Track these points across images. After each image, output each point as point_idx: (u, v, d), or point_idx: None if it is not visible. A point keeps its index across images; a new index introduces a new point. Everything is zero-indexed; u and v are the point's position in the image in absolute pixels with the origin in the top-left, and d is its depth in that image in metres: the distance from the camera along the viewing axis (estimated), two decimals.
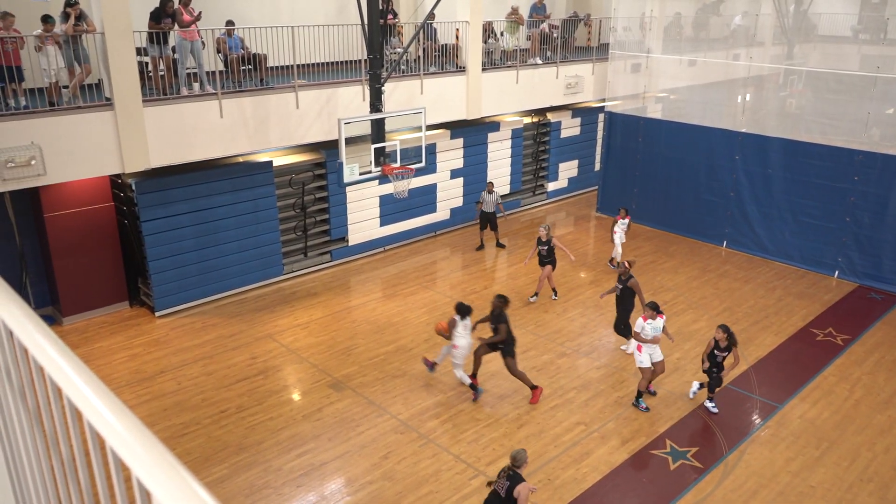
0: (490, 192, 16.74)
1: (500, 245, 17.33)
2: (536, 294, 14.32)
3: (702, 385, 10.85)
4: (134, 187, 12.75)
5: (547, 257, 13.99)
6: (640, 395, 10.67)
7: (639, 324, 10.33)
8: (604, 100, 20.35)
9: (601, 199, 20.06)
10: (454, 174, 18.23)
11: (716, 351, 10.30)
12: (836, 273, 15.75)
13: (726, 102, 19.86)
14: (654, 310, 10.31)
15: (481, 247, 17.22)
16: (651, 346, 10.39)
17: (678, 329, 13.16)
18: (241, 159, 14.20)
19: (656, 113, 20.41)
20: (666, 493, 8.85)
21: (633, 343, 10.70)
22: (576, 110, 20.97)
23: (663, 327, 10.42)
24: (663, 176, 18.39)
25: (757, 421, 10.43)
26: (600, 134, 20.71)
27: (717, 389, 10.54)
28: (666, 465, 9.39)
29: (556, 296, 14.42)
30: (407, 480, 9.00)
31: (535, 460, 9.38)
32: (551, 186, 21.19)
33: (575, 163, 21.63)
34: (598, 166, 20.97)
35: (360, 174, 13.07)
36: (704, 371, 10.53)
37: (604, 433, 10.02)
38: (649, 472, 9.25)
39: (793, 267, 16.26)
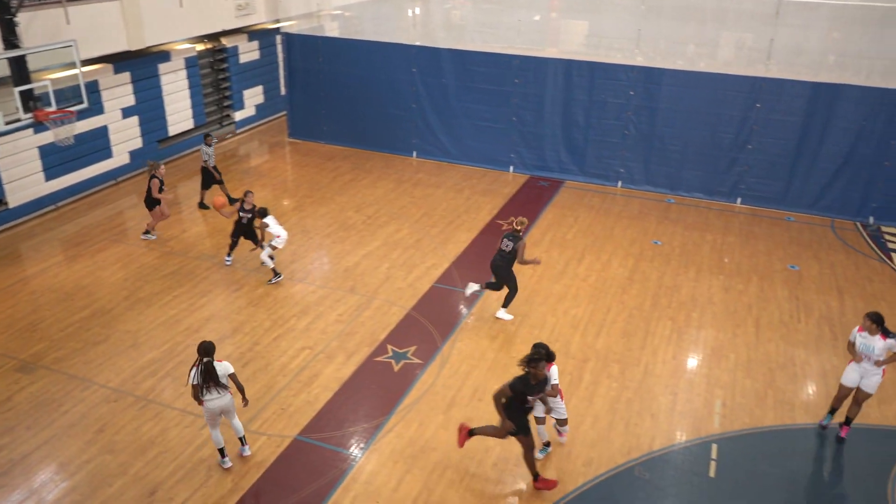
0: (209, 144, 14.72)
1: (205, 206, 15.12)
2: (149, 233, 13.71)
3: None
4: None
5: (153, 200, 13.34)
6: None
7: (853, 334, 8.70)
8: (278, 20, 19.73)
9: (291, 124, 19.76)
10: (127, 113, 16.48)
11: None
12: (511, 168, 17.65)
13: (398, 17, 20.52)
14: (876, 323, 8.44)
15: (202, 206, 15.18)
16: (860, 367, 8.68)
17: (384, 240, 13.78)
18: None
19: (334, 31, 20.40)
20: (394, 393, 9.44)
21: None
22: (252, 33, 20.05)
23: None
24: (349, 94, 18.62)
25: (463, 311, 11.49)
26: (282, 57, 20.14)
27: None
28: (390, 368, 9.97)
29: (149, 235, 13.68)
30: (130, 448, 8.37)
31: (266, 393, 9.33)
32: (238, 116, 20.27)
33: (260, 89, 20.88)
34: (284, 90, 20.48)
35: (7, 124, 11.17)
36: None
37: (329, 352, 10.26)
38: (377, 378, 9.75)
39: (475, 167, 17.83)
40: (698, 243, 14.05)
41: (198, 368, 7.70)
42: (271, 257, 12.05)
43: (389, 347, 10.45)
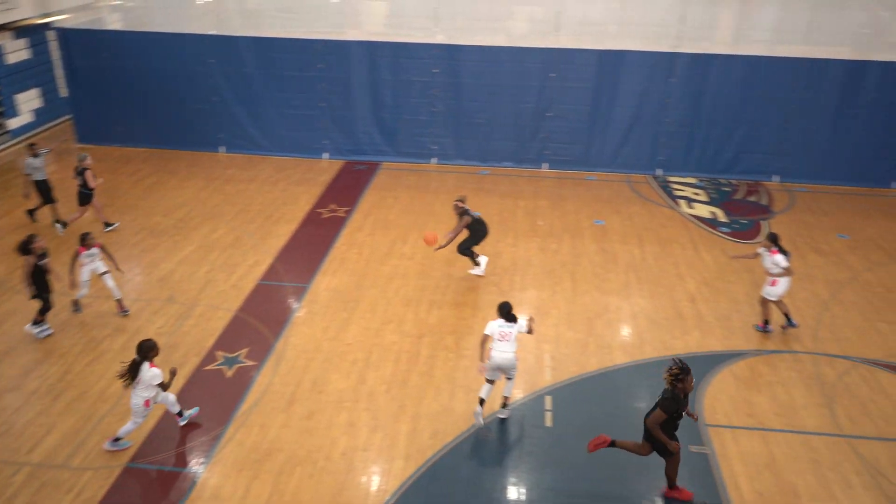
0: (35, 155, 13.05)
1: (61, 223, 13.40)
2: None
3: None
4: None
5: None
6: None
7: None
8: (48, 15, 17.86)
9: (79, 128, 18.03)
10: None
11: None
12: (326, 155, 17.40)
13: (187, 5, 19.28)
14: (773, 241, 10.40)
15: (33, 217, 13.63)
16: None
17: (199, 243, 13.07)
18: None
19: (116, 24, 18.84)
20: (230, 400, 9.04)
21: None
22: (18, 30, 17.96)
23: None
24: (142, 92, 17.30)
25: (293, 305, 11.22)
26: (58, 55, 18.25)
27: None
28: (222, 375, 9.53)
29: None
30: None
31: (86, 423, 8.55)
32: (13, 123, 18.16)
33: (36, 92, 18.82)
34: (65, 92, 18.62)
35: None
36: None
37: None
38: (209, 388, 9.28)
39: (288, 157, 17.37)
40: (513, 210, 14.74)
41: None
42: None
43: (219, 354, 9.97)
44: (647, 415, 7.48)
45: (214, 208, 14.53)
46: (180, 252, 12.71)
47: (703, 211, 15.02)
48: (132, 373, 7.86)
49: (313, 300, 11.34)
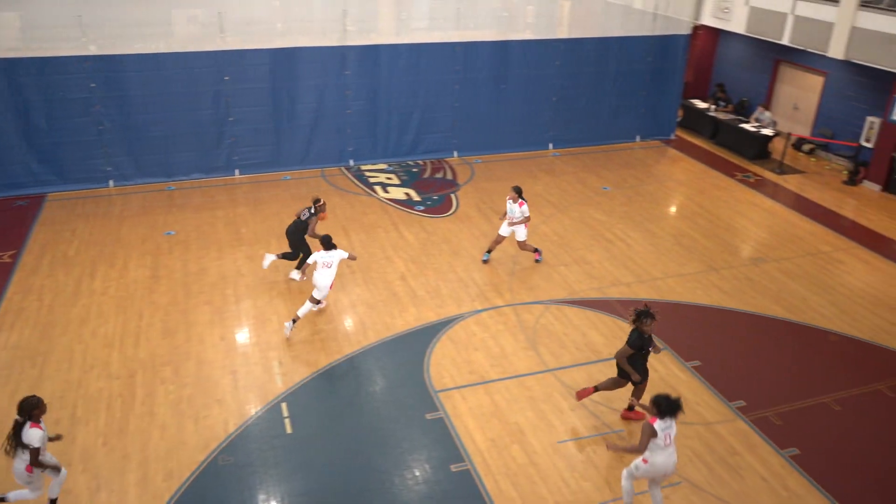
0: None
1: None
2: None
3: None
4: None
5: None
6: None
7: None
8: None
9: None
10: None
11: None
12: None
13: None
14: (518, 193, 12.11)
15: None
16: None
17: None
18: None
19: None
20: None
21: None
22: None
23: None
24: None
25: None
26: None
27: None
28: None
29: None
30: None
31: None
32: None
33: None
34: None
35: None
36: None
37: None
38: None
39: None
40: (211, 222, 14.04)
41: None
42: None
43: None
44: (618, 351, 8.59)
45: None
46: None
47: (398, 193, 15.81)
48: (15, 435, 6.73)
49: None
